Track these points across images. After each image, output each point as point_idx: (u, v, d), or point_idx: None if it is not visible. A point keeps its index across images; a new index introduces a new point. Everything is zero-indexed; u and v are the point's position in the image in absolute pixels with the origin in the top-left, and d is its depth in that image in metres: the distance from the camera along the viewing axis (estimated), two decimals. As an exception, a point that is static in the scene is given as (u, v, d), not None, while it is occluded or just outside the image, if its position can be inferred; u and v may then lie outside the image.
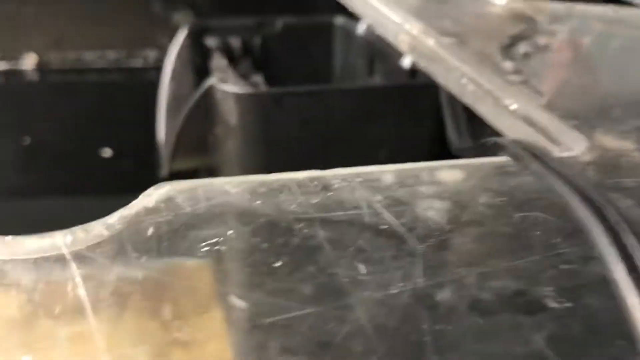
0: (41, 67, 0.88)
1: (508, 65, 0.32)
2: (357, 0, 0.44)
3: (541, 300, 0.17)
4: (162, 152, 0.58)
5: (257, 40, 0.62)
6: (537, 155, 0.22)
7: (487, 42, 0.35)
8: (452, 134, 0.33)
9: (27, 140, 0.87)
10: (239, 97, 0.44)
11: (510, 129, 0.29)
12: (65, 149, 0.89)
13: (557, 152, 0.26)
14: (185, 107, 0.50)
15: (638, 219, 0.20)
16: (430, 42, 0.36)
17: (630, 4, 0.53)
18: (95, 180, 0.88)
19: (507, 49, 0.35)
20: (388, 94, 0.46)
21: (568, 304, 0.17)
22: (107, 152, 0.89)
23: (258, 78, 0.58)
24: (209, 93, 0.47)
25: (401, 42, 0.38)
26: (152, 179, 0.66)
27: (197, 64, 0.58)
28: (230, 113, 0.45)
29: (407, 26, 0.38)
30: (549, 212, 0.20)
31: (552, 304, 0.17)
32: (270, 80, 0.61)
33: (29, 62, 0.87)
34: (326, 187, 0.21)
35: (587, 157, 0.25)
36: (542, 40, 0.37)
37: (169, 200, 0.20)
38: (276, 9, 0.74)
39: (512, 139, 0.24)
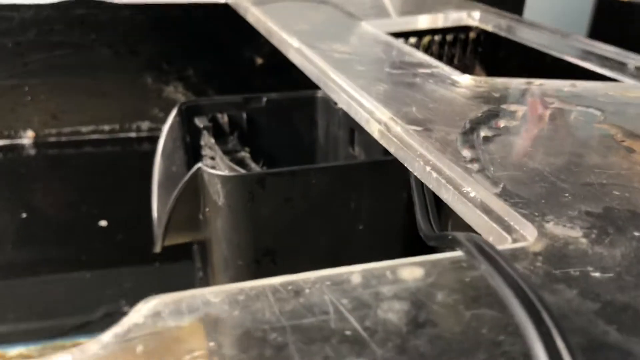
0: (38, 142, 0.91)
1: (467, 153, 0.35)
2: (332, 85, 0.48)
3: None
4: (155, 229, 0.60)
5: (243, 116, 0.65)
6: (486, 252, 0.24)
7: (450, 128, 0.39)
8: (420, 220, 0.36)
9: (23, 214, 0.89)
10: (224, 180, 0.46)
11: (470, 217, 0.31)
12: (61, 221, 0.91)
13: (508, 243, 0.28)
14: (176, 187, 0.52)
15: (574, 315, 0.23)
16: (398, 129, 0.39)
17: (601, 77, 0.56)
18: (91, 251, 0.90)
19: (468, 134, 0.38)
20: (365, 169, 0.49)
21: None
22: (102, 223, 0.92)
23: (245, 153, 0.61)
24: (198, 175, 0.50)
25: (371, 128, 0.41)
26: (147, 251, 0.68)
27: (188, 142, 0.62)
28: (217, 194, 0.48)
29: (377, 113, 0.42)
30: (496, 308, 0.23)
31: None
32: (257, 153, 0.64)
33: (26, 137, 0.91)
34: (298, 293, 0.24)
35: (537, 247, 0.27)
36: (501, 122, 0.40)
37: (156, 315, 0.22)
38: (263, 86, 0.79)
39: (467, 235, 0.26)
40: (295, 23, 0.63)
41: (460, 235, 0.26)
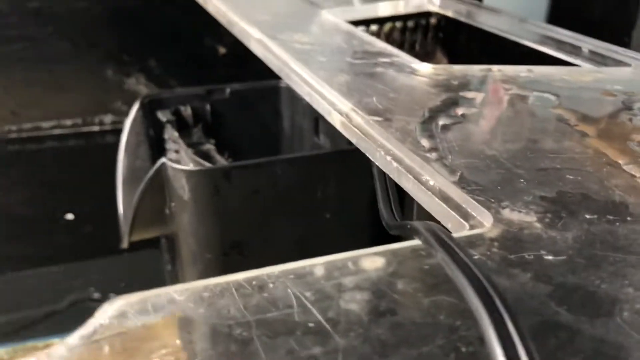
0: (-3, 139, 0.89)
1: (426, 142, 0.36)
2: (294, 77, 0.48)
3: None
4: (121, 225, 0.60)
5: (207, 108, 0.65)
6: (442, 240, 0.25)
7: (410, 117, 0.39)
8: (382, 209, 0.37)
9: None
10: (189, 174, 0.47)
11: (429, 205, 0.32)
12: (26, 216, 0.90)
13: (465, 230, 0.29)
14: (141, 182, 0.52)
15: (528, 298, 0.24)
16: (359, 120, 0.40)
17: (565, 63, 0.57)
18: (58, 246, 0.89)
19: (427, 123, 0.39)
20: (331, 159, 0.50)
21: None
22: (69, 216, 0.91)
23: (209, 146, 0.61)
24: (162, 170, 0.50)
25: (334, 119, 0.42)
26: (114, 243, 0.67)
27: (151, 136, 0.61)
28: (182, 188, 0.48)
29: (339, 104, 0.42)
30: (453, 295, 0.24)
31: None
32: (222, 145, 0.64)
33: (-16, 135, 0.88)
34: (262, 287, 0.24)
35: (492, 233, 0.28)
36: (460, 110, 0.41)
37: (121, 316, 0.22)
38: (226, 77, 0.78)
39: (425, 223, 0.27)
40: (255, 13, 0.63)
41: (418, 224, 0.27)
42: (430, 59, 0.75)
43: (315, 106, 0.45)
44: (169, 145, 0.59)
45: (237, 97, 0.66)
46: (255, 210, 0.48)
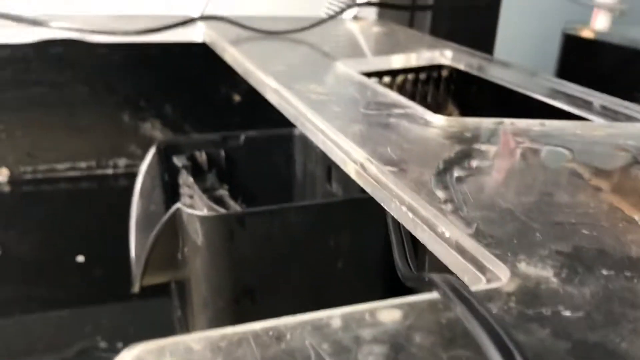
0: (13, 179, 0.90)
1: (441, 193, 0.36)
2: (309, 126, 0.49)
3: None
4: (133, 269, 0.60)
5: (221, 154, 0.66)
6: (461, 294, 0.25)
7: (424, 168, 0.40)
8: (397, 260, 0.37)
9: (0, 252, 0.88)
10: (203, 220, 0.47)
11: (445, 257, 0.32)
12: (37, 258, 0.90)
13: (482, 284, 0.29)
14: (154, 227, 0.53)
15: (547, 354, 0.24)
16: (374, 169, 0.40)
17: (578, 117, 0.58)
18: (68, 289, 0.88)
19: (442, 174, 0.39)
20: (344, 207, 0.50)
21: None
22: (80, 259, 0.91)
23: (223, 191, 0.62)
24: (177, 215, 0.50)
25: (349, 168, 0.42)
26: (124, 287, 0.67)
27: (166, 181, 0.62)
28: (196, 233, 0.48)
29: (353, 154, 0.43)
30: (471, 349, 0.24)
31: None
32: (235, 191, 0.65)
33: (1, 175, 0.90)
34: (279, 338, 0.24)
35: (510, 288, 0.28)
36: (474, 162, 0.42)
37: (139, 363, 0.22)
38: (241, 123, 0.79)
39: (442, 276, 0.27)
40: (271, 63, 0.65)
41: (435, 277, 0.27)
42: (442, 111, 0.76)
43: (329, 155, 0.45)
44: (184, 190, 0.60)
45: (251, 143, 0.68)
46: (267, 257, 0.48)
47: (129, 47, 0.85)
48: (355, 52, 0.75)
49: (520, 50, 0.91)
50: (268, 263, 0.48)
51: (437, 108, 0.76)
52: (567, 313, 0.27)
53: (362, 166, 0.41)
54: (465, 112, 0.75)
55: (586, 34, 0.96)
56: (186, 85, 0.90)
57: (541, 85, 0.67)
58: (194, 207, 0.53)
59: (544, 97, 0.62)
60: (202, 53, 0.81)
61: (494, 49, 0.89)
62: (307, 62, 0.68)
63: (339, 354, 0.23)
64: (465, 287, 0.26)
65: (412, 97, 0.75)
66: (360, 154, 0.42)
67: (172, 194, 0.62)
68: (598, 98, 0.60)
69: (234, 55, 0.70)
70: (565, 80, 0.74)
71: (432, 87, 0.77)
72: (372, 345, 0.24)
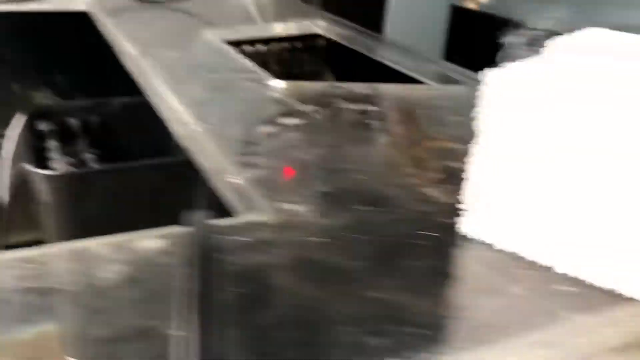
0: None
1: (244, 147, 0.40)
2: (152, 90, 0.52)
3: None
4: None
5: (95, 120, 0.68)
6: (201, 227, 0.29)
7: (243, 126, 0.44)
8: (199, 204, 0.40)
9: None
10: (48, 178, 0.49)
11: (231, 200, 0.36)
12: None
13: (249, 217, 0.33)
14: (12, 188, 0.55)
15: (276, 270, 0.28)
16: (193, 128, 0.44)
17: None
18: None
19: (252, 130, 0.43)
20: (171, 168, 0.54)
21: None
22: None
23: (89, 155, 0.64)
24: (27, 175, 0.52)
25: (176, 128, 0.46)
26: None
27: (34, 146, 0.64)
28: (45, 193, 0.50)
29: (183, 116, 0.46)
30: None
31: None
32: (109, 157, 0.67)
33: None
34: (44, 263, 0.28)
35: (269, 220, 0.32)
36: (287, 120, 0.45)
37: None
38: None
39: (199, 214, 0.31)
40: (140, 31, 0.67)
41: (195, 215, 0.31)
42: (318, 79, 0.80)
43: (164, 116, 0.49)
44: (50, 155, 0.62)
45: (128, 109, 0.70)
46: (114, 213, 0.51)
47: (14, 16, 0.85)
48: (233, 20, 0.78)
49: (413, 23, 0.94)
50: (114, 219, 0.51)
51: (314, 76, 0.80)
52: (314, 238, 0.31)
53: (186, 125, 0.45)
54: (340, 80, 0.79)
55: (470, 4, 1.01)
56: (76, 54, 0.90)
57: (401, 55, 0.71)
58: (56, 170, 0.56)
59: (393, 64, 0.67)
60: (89, 21, 0.82)
61: (383, 22, 0.92)
62: (176, 30, 0.71)
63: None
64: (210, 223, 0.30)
65: (289, 66, 0.78)
66: (187, 115, 0.45)
67: (43, 159, 0.64)
68: (438, 65, 0.65)
69: (106, 24, 0.71)
70: (454, 52, 0.77)
71: (308, 56, 0.80)
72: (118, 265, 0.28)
